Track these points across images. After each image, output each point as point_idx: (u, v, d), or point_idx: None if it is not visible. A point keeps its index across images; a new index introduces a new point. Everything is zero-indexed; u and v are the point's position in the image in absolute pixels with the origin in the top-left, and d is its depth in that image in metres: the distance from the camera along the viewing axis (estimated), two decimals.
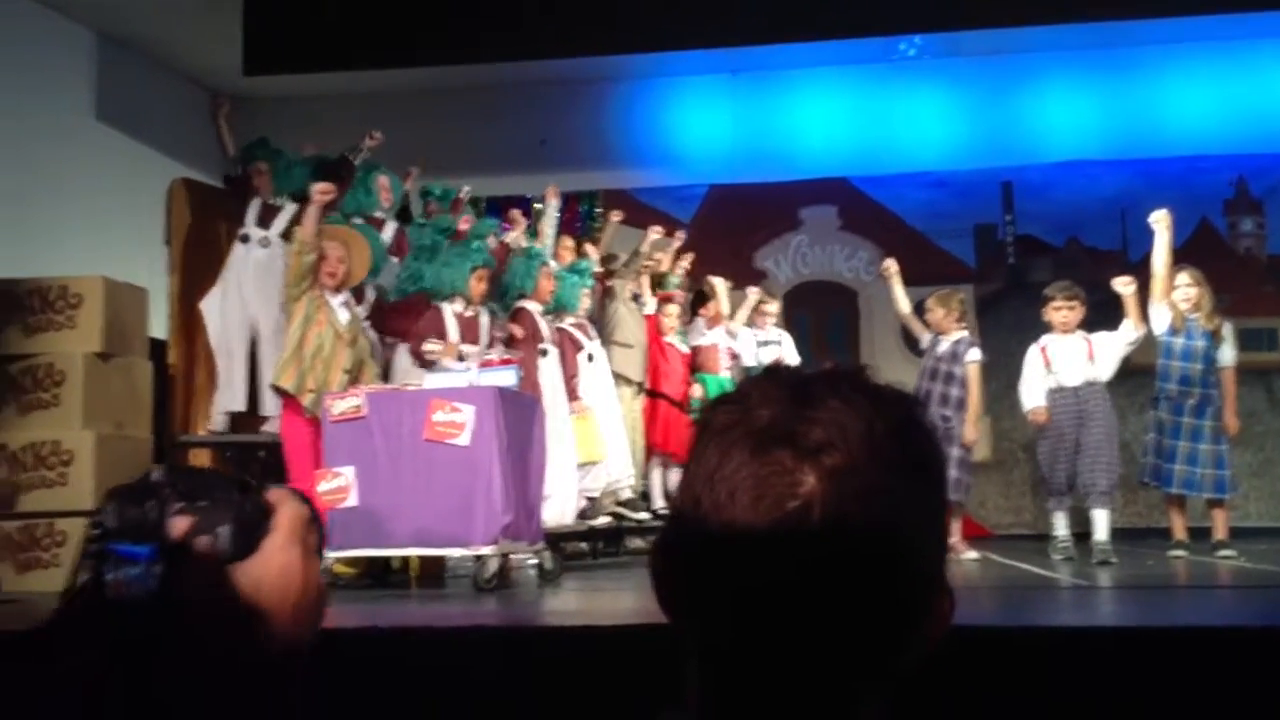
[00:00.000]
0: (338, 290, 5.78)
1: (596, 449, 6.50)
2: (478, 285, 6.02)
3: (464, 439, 4.81)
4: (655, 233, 7.97)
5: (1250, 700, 2.64)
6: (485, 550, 4.78)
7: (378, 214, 6.80)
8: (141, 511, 0.89)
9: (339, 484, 4.87)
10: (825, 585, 0.76)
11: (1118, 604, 4.38)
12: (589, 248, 7.68)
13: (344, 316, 5.73)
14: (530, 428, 5.21)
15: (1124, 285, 6.10)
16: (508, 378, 5.16)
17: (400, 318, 6.20)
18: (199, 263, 6.44)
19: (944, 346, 6.43)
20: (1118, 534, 6.37)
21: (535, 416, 5.34)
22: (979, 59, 8.96)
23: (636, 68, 9.12)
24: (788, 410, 0.79)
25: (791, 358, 7.78)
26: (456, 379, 5.20)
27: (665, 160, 9.48)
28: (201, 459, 6.45)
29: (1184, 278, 6.21)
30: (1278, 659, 2.70)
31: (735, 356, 7.85)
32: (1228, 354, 6.21)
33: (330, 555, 4.90)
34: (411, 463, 4.87)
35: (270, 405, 6.28)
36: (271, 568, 0.89)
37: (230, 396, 6.23)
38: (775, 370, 0.85)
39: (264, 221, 6.50)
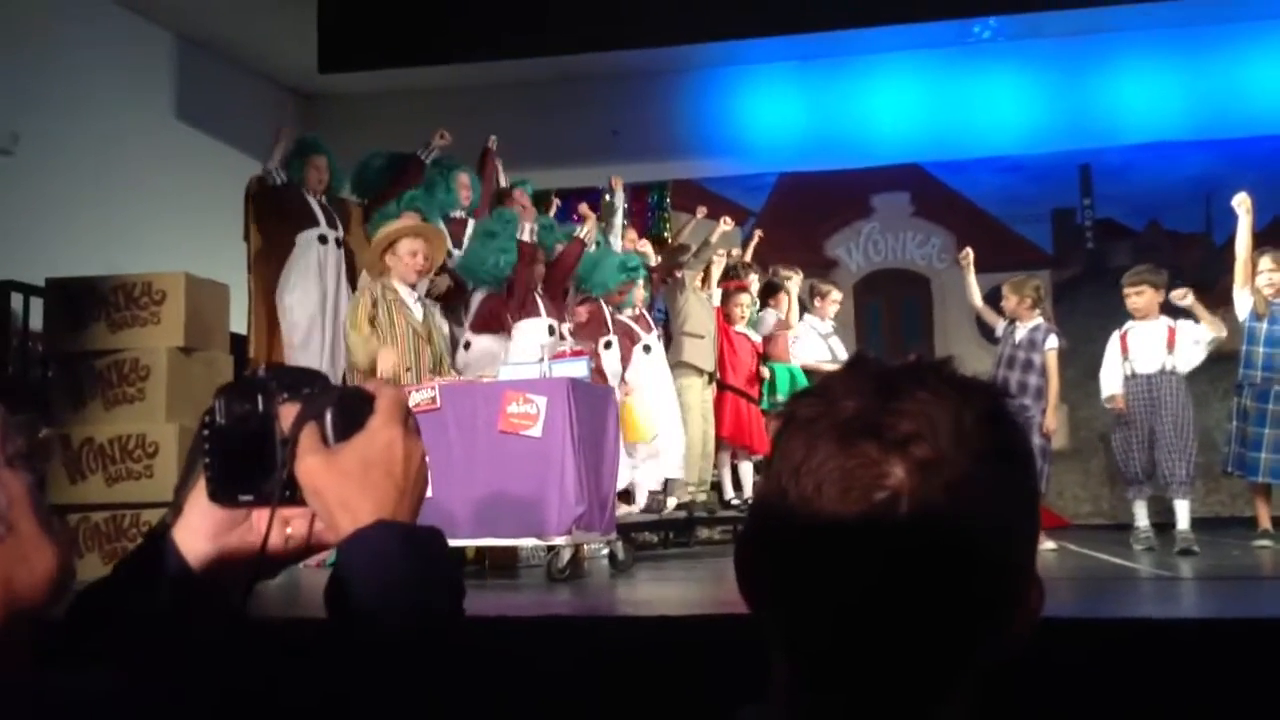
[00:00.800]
0: (414, 285, 5.67)
1: (641, 430, 6.47)
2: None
3: (537, 430, 4.85)
4: (726, 225, 7.94)
5: None
6: (558, 540, 4.82)
7: (458, 213, 6.85)
8: (250, 405, 0.93)
9: None
10: (914, 577, 0.76)
11: (1200, 595, 4.28)
12: (644, 242, 7.70)
13: (419, 312, 5.64)
14: (604, 419, 5.24)
15: (1181, 299, 6.03)
16: (579, 369, 5.19)
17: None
18: (277, 259, 6.55)
19: (1021, 334, 6.30)
20: (1200, 524, 6.24)
21: (608, 407, 5.36)
22: (1055, 40, 8.79)
23: (707, 56, 9.09)
24: (873, 402, 0.79)
25: (840, 352, 7.71)
26: (529, 370, 5.24)
27: (735, 149, 9.45)
28: None
29: (1267, 262, 6.03)
30: None
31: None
32: None
33: None
34: (486, 454, 4.91)
35: None
36: (377, 443, 0.92)
37: None
38: (860, 361, 0.85)
39: (332, 221, 6.62)
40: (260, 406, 0.94)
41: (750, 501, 6.87)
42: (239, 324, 6.47)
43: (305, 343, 6.38)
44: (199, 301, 5.59)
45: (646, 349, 6.78)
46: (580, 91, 9.27)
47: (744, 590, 0.84)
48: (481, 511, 4.86)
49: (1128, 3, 7.40)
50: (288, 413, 0.93)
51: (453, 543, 5.29)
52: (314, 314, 6.43)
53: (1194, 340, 6.05)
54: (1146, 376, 6.09)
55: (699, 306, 7.33)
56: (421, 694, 0.85)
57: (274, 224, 6.53)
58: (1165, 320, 6.18)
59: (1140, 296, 6.18)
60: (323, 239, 6.55)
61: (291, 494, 0.92)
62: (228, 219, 6.95)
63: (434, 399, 4.98)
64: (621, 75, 9.19)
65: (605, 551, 5.94)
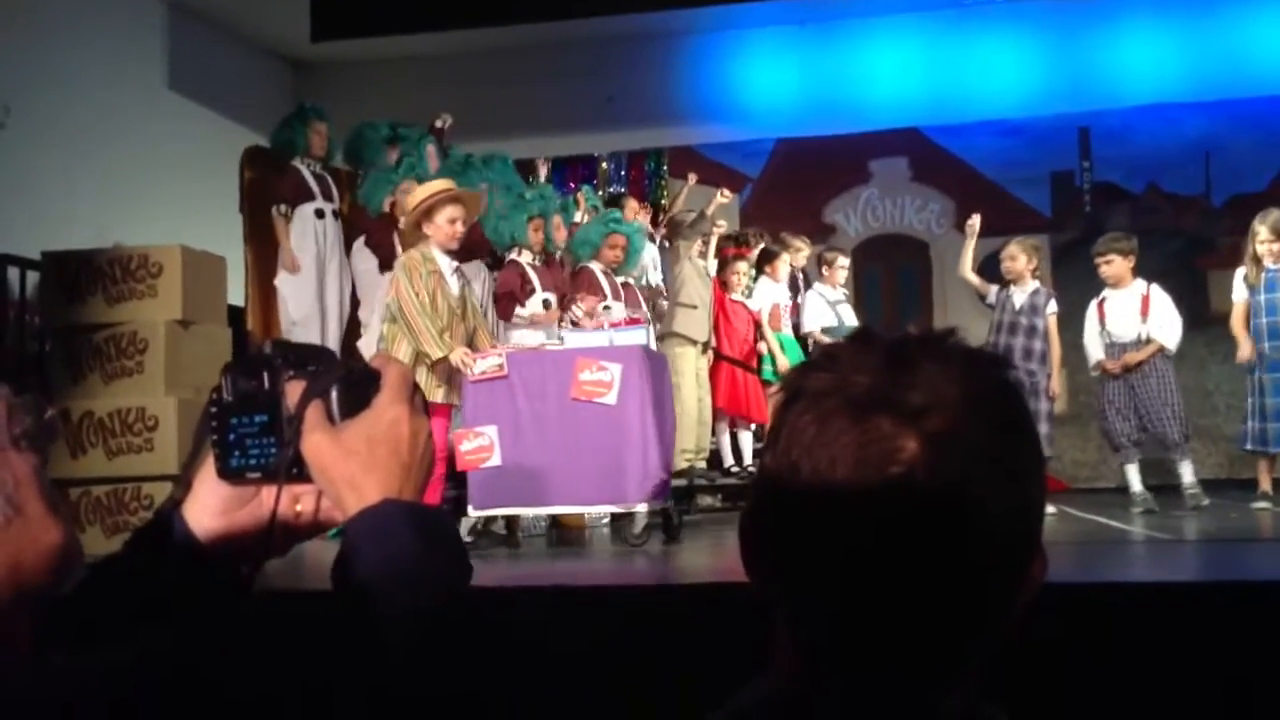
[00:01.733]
0: (453, 255, 5.36)
1: None
2: (535, 235, 6.15)
3: (611, 398, 4.88)
4: (724, 197, 7.88)
5: None
6: (640, 507, 4.85)
7: None
8: (256, 383, 0.93)
9: (481, 443, 4.96)
10: (928, 549, 0.76)
11: (1197, 558, 4.30)
12: (644, 210, 7.67)
13: (456, 285, 5.33)
14: (664, 385, 5.26)
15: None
16: (639, 337, 5.18)
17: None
18: (273, 230, 6.54)
19: (1021, 299, 6.28)
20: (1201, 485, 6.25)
21: (666, 374, 5.39)
22: (1053, 1, 8.73)
23: (703, 21, 9.03)
24: (884, 375, 0.79)
25: (848, 319, 7.67)
26: (597, 338, 5.23)
27: (732, 115, 9.39)
28: None
29: (1265, 232, 5.96)
30: None
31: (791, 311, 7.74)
32: None
33: (476, 514, 5.03)
34: (557, 422, 4.94)
35: None
36: (383, 421, 0.93)
37: None
38: (867, 334, 0.85)
39: (328, 193, 6.62)
40: (266, 383, 0.94)
41: (752, 471, 6.87)
42: (236, 296, 6.47)
43: (305, 321, 6.39)
44: (196, 274, 5.58)
45: (606, 308, 6.71)
46: (575, 57, 9.21)
47: (748, 564, 0.84)
48: (556, 479, 4.90)
49: None
50: (294, 390, 0.93)
51: (526, 511, 5.34)
52: (311, 291, 6.44)
53: (1167, 312, 6.07)
54: (1123, 344, 6.12)
55: (695, 276, 7.31)
56: (426, 668, 0.86)
57: (269, 197, 6.52)
58: (1139, 288, 6.18)
59: (1110, 266, 6.20)
60: (319, 213, 6.55)
61: (299, 471, 0.93)
62: (223, 190, 6.94)
63: (501, 366, 5.00)
64: (617, 40, 9.13)
65: (605, 520, 5.97)
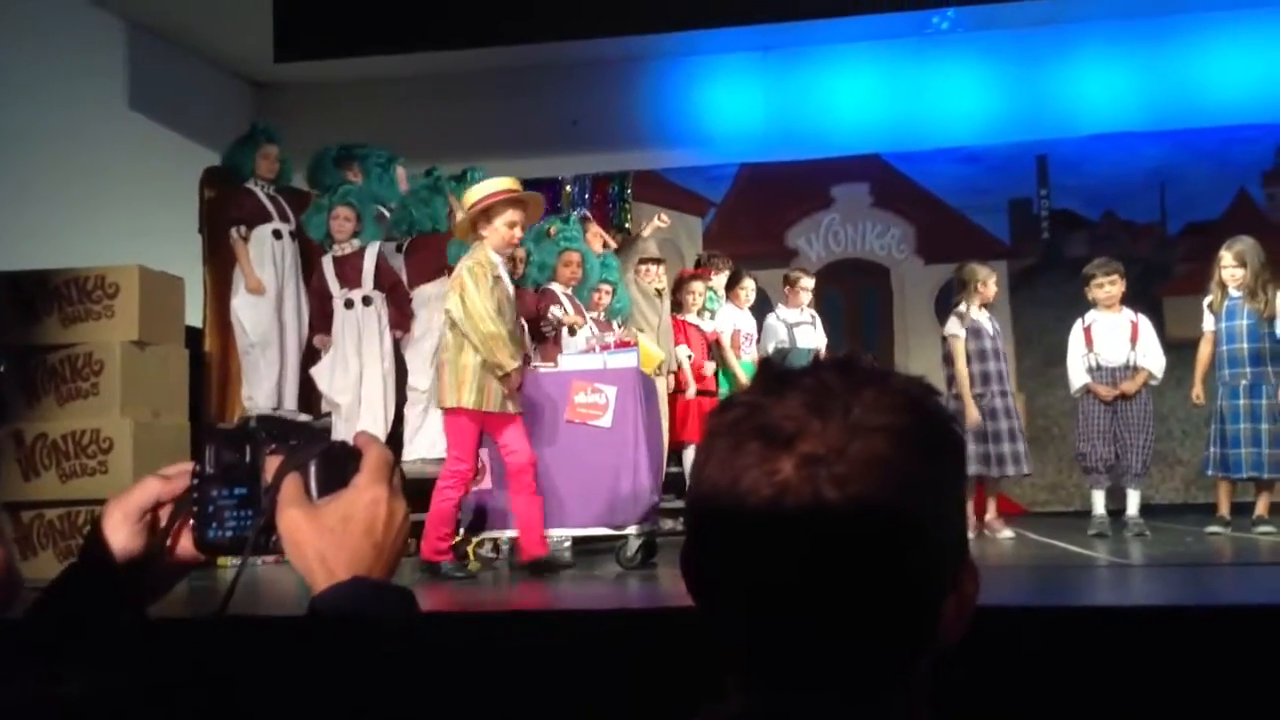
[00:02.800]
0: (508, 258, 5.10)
1: None
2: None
3: (606, 420, 4.88)
4: (661, 221, 7.79)
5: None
6: (632, 530, 4.82)
7: (394, 205, 6.82)
8: (238, 455, 0.93)
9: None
10: (816, 571, 0.76)
11: (1153, 582, 4.34)
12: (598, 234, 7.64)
13: (510, 291, 5.09)
14: (654, 408, 5.25)
15: None
16: (630, 360, 5.16)
17: None
18: (232, 251, 6.49)
19: (991, 325, 6.38)
20: (1156, 510, 6.32)
21: (655, 397, 5.38)
22: (1012, 31, 8.85)
23: (667, 46, 9.08)
24: (763, 400, 0.80)
25: (820, 338, 7.69)
26: (591, 361, 5.20)
27: (696, 140, 9.44)
28: None
29: (1228, 258, 6.00)
30: None
31: (749, 338, 7.71)
32: None
33: (469, 536, 5.00)
34: (551, 444, 4.92)
35: (290, 399, 6.37)
36: (360, 501, 0.93)
37: (271, 392, 6.33)
38: (765, 363, 0.86)
39: (284, 214, 6.59)
40: (248, 456, 0.95)
41: None
42: (195, 317, 6.40)
43: (262, 344, 6.34)
44: (153, 294, 5.53)
45: (572, 331, 6.70)
46: (539, 81, 9.23)
47: (690, 591, 0.85)
48: (548, 501, 4.87)
49: None
50: (273, 463, 0.94)
51: (517, 534, 5.19)
52: (269, 313, 6.39)
53: (1153, 341, 6.16)
54: (1111, 369, 6.16)
55: (640, 299, 7.29)
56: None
57: (227, 218, 6.48)
58: (1128, 313, 6.23)
59: (1115, 286, 6.23)
60: (277, 234, 6.51)
61: (272, 544, 0.93)
62: (182, 210, 6.87)
63: None
64: (581, 64, 9.16)
65: (567, 544, 5.94)
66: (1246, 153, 8.89)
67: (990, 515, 6.27)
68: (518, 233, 4.91)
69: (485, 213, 4.84)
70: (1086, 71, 8.88)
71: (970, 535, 5.93)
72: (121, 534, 0.97)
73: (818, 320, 7.94)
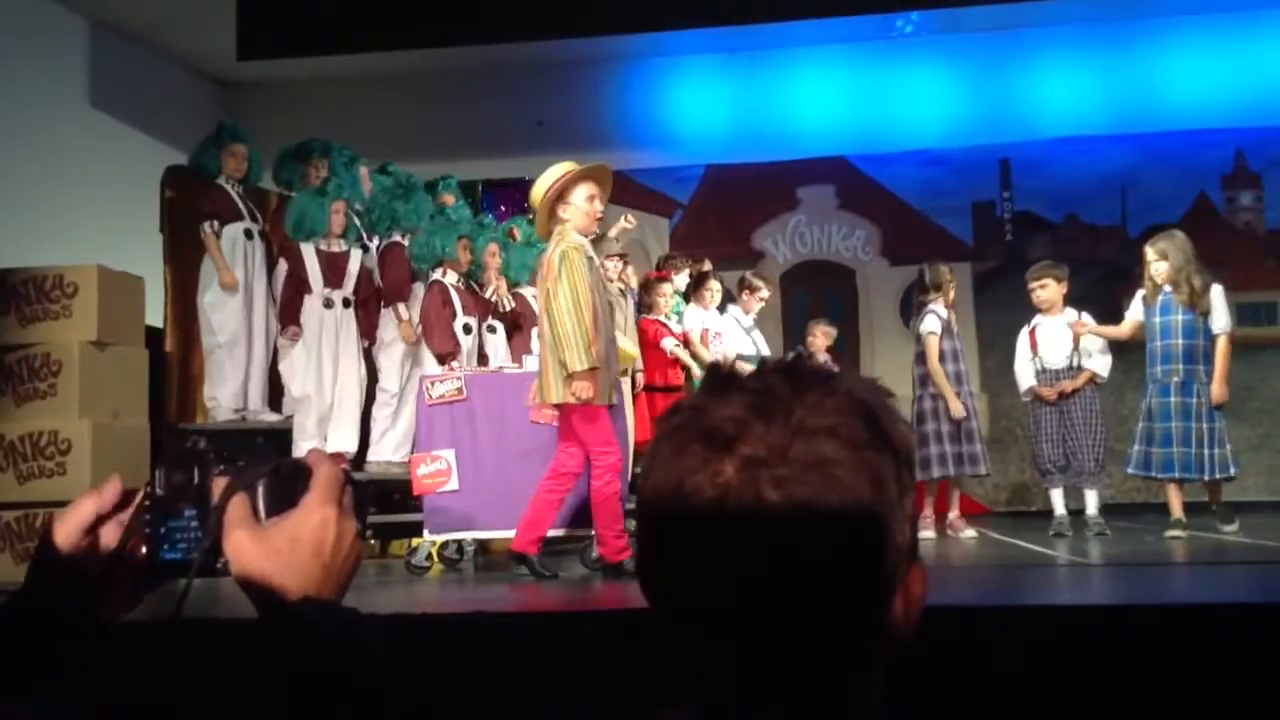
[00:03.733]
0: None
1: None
2: (464, 255, 6.12)
3: None
4: (627, 222, 7.76)
5: (1246, 676, 2.64)
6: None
7: (359, 206, 6.78)
8: (188, 477, 0.95)
9: (439, 467, 4.91)
10: (786, 575, 0.76)
11: (1111, 581, 4.39)
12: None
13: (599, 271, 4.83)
14: (622, 407, 5.21)
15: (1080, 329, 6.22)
16: None
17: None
18: (195, 250, 6.43)
19: (955, 326, 6.46)
20: (1116, 510, 6.38)
21: (623, 399, 5.33)
22: (977, 35, 8.92)
23: (634, 47, 9.09)
24: (707, 403, 0.80)
25: (762, 346, 7.71)
26: None
27: (663, 141, 9.45)
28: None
29: (1150, 254, 5.93)
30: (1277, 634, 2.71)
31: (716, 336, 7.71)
32: (1218, 321, 5.80)
33: (433, 537, 4.97)
34: (517, 445, 4.89)
35: (256, 399, 6.33)
36: (309, 523, 0.91)
37: (237, 393, 6.28)
38: (712, 367, 0.86)
39: (254, 213, 6.54)
40: (197, 478, 0.95)
41: None
42: (155, 317, 6.34)
43: (230, 344, 6.28)
44: (112, 295, 5.47)
45: (491, 329, 6.70)
46: (505, 81, 9.22)
47: (645, 595, 0.85)
48: (513, 502, 4.82)
49: None
50: (220, 484, 0.93)
51: (483, 535, 5.21)
52: (239, 312, 6.34)
53: (1100, 349, 6.20)
54: (1055, 371, 6.24)
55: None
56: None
57: (199, 215, 6.41)
58: (1070, 316, 6.30)
59: (1045, 290, 6.30)
60: (248, 233, 6.47)
61: (217, 565, 0.93)
62: (143, 210, 6.80)
63: (460, 390, 4.94)
64: (547, 65, 9.15)
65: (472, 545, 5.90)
66: (1206, 157, 9.01)
67: (953, 515, 6.33)
68: (598, 206, 4.70)
69: (560, 194, 4.67)
70: (1049, 75, 8.97)
71: (933, 535, 6.01)
72: (67, 552, 0.97)
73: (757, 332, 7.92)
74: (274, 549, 0.90)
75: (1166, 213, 8.91)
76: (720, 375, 0.83)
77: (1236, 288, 8.91)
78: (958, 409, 6.17)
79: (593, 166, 4.76)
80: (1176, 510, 5.85)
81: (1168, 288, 5.88)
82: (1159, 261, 5.87)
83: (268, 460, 0.95)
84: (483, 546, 5.84)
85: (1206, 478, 5.80)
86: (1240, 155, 9.06)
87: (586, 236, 4.69)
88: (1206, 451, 5.73)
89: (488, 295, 6.72)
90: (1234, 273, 8.98)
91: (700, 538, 0.77)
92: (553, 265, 4.54)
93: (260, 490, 0.92)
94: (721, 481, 0.77)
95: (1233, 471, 5.80)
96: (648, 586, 0.83)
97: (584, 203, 4.64)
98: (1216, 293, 5.82)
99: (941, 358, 6.26)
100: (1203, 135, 8.89)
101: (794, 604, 0.77)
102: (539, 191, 4.71)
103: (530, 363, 5.26)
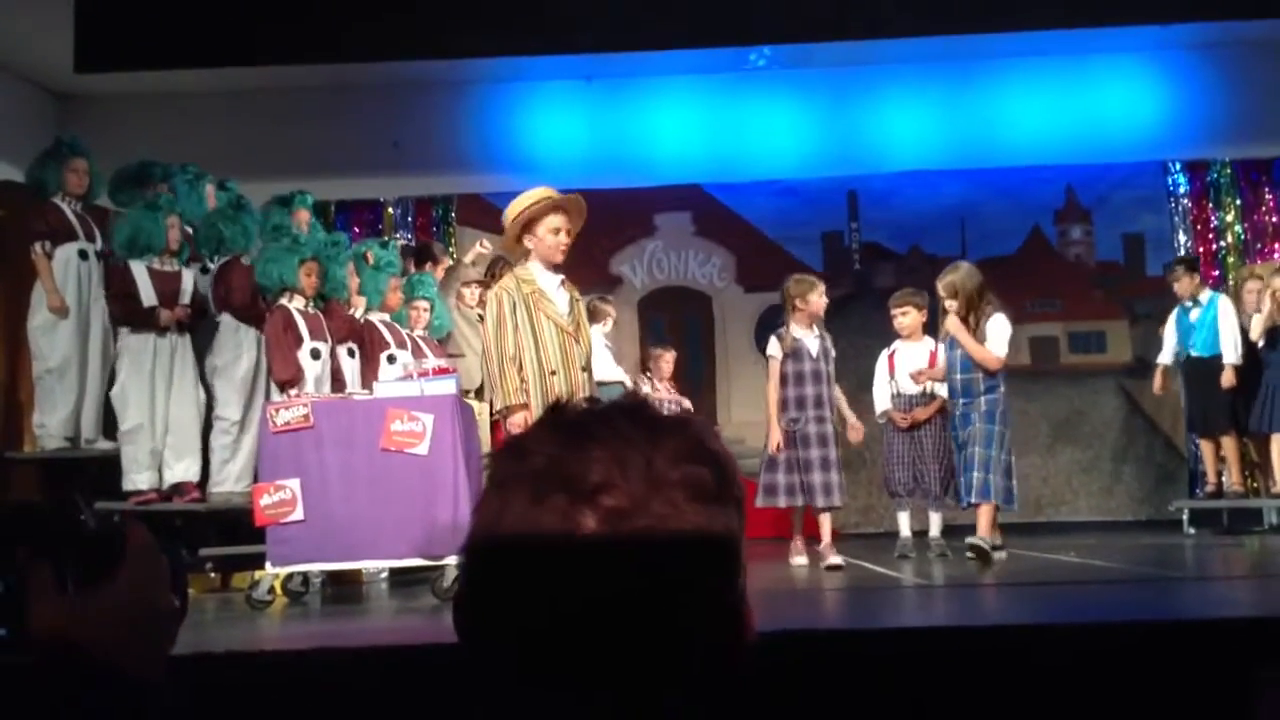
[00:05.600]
0: (557, 269, 4.83)
1: None
2: (308, 280, 5.98)
3: (423, 448, 4.75)
4: (483, 247, 7.73)
5: (1070, 697, 2.75)
6: (450, 560, 4.69)
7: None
8: None
9: (283, 497, 4.74)
10: (613, 619, 0.77)
11: (951, 602, 4.53)
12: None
13: (563, 303, 4.82)
14: (473, 436, 5.15)
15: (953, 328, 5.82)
16: (448, 387, 5.05)
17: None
18: (23, 273, 6.13)
19: (816, 345, 6.02)
20: (958, 531, 6.58)
21: (475, 426, 5.28)
22: (826, 70, 9.18)
23: (492, 71, 9.06)
24: (563, 452, 0.80)
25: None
26: (408, 388, 5.07)
27: (520, 165, 9.42)
28: (27, 475, 6.14)
29: (941, 290, 5.81)
30: (1105, 653, 2.83)
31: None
32: (992, 350, 5.68)
33: (276, 570, 4.79)
34: (366, 473, 4.77)
35: (90, 427, 6.06)
36: (123, 593, 0.88)
37: (68, 420, 6.00)
38: (554, 409, 0.85)
39: (90, 233, 6.27)
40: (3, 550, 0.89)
41: None
42: None
43: (61, 369, 5.99)
44: None
45: (391, 359, 6.61)
46: (360, 101, 9.08)
47: (461, 636, 0.84)
48: (363, 532, 4.72)
49: (892, 36, 7.79)
50: (23, 554, 0.88)
51: (329, 566, 5.05)
52: (70, 336, 6.06)
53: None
54: (909, 396, 6.43)
55: (462, 324, 7.25)
56: None
57: (29, 235, 6.11)
58: (929, 342, 6.49)
59: (906, 317, 6.49)
60: (82, 254, 6.20)
61: (26, 639, 0.86)
62: None
63: (307, 416, 4.79)
64: (403, 86, 9.05)
65: (384, 575, 5.82)
66: (1040, 192, 9.45)
67: (825, 543, 5.93)
68: (563, 239, 4.75)
69: (527, 224, 4.73)
70: (894, 111, 9.29)
71: (803, 562, 5.95)
72: None
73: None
74: (82, 619, 0.86)
75: (1003, 245, 9.32)
76: (568, 420, 0.83)
77: (1068, 318, 9.40)
78: (773, 441, 5.87)
79: (567, 197, 4.83)
80: (983, 530, 5.58)
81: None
82: (949, 299, 5.77)
83: (72, 528, 0.90)
84: (331, 578, 5.69)
85: (969, 503, 5.68)
86: (1071, 191, 9.53)
87: (548, 267, 4.75)
88: (976, 475, 5.57)
89: (354, 314, 6.57)
90: (1066, 303, 9.47)
91: (554, 585, 0.77)
92: (489, 299, 4.61)
93: (69, 561, 0.88)
94: (583, 534, 0.77)
95: (990, 500, 5.56)
96: (475, 623, 0.82)
97: (548, 234, 4.72)
98: (994, 324, 5.69)
99: (787, 381, 5.96)
100: (1037, 171, 9.33)
101: (630, 646, 0.77)
102: (509, 215, 4.79)
103: (381, 389, 5.18)
